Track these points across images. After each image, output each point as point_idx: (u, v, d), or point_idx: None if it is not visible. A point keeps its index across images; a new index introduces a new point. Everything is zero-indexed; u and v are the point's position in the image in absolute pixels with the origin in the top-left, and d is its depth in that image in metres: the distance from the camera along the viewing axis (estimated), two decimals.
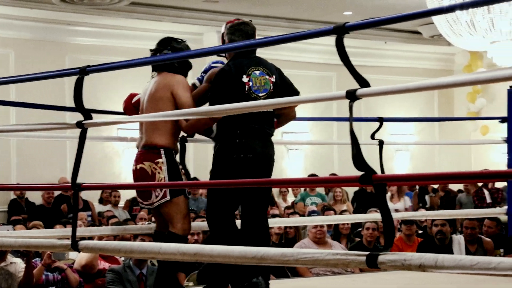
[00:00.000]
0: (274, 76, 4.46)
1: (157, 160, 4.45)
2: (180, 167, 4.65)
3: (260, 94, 4.35)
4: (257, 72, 4.38)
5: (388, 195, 11.52)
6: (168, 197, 4.46)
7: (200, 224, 6.12)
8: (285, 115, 4.63)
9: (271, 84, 4.41)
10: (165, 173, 4.44)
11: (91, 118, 3.60)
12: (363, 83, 2.58)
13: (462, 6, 2.69)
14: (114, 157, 12.11)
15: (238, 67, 4.35)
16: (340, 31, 2.63)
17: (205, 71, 4.59)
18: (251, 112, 4.24)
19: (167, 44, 4.65)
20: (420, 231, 8.66)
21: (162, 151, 4.47)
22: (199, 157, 12.28)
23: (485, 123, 13.63)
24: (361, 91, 2.55)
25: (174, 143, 4.56)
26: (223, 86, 4.30)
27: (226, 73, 4.35)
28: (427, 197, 12.30)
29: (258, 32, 13.77)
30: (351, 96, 2.56)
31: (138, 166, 4.50)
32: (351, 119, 2.56)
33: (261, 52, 13.51)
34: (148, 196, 4.49)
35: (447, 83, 2.49)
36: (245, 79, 4.34)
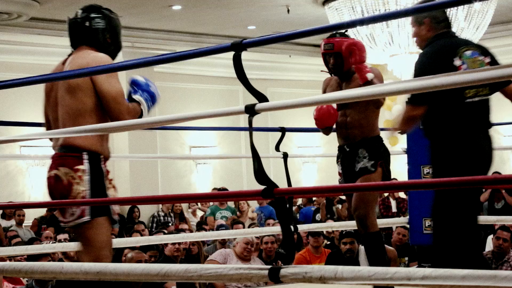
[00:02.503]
0: (489, 56, 3.70)
1: (77, 167, 3.41)
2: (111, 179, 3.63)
3: None
4: (468, 52, 3.63)
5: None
6: (87, 217, 3.43)
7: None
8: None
9: (487, 66, 3.60)
10: (86, 185, 3.41)
11: None
12: (261, 98, 2.62)
13: (362, 22, 2.75)
14: (18, 175, 11.83)
15: (446, 49, 3.64)
16: (237, 48, 2.65)
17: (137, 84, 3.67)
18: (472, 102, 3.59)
19: (98, 11, 3.63)
20: (328, 242, 8.78)
21: (85, 156, 3.44)
22: (136, 173, 12.10)
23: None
24: (260, 105, 2.58)
25: (102, 146, 3.51)
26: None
27: (433, 56, 3.61)
28: (334, 208, 12.49)
29: (162, 47, 13.74)
30: (250, 110, 2.59)
31: (52, 173, 3.47)
32: (251, 133, 2.59)
33: (164, 67, 13.44)
34: (62, 212, 3.50)
35: (340, 97, 2.55)
36: (457, 61, 3.61)
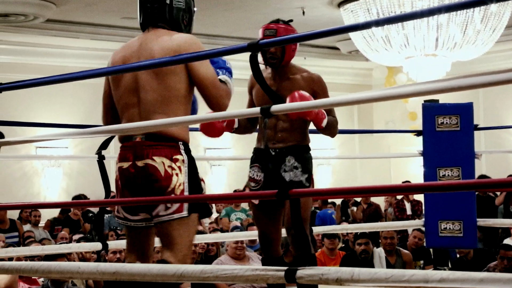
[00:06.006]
0: None
1: (176, 157, 3.17)
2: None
3: None
4: None
5: None
6: (185, 212, 3.17)
7: (123, 242, 6.05)
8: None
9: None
10: (184, 177, 3.18)
11: (3, 137, 3.53)
12: (277, 99, 2.61)
13: (377, 23, 2.73)
14: (33, 176, 11.88)
15: None
16: (254, 48, 2.64)
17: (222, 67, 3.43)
18: None
19: None
20: (342, 245, 8.76)
21: (181, 146, 3.22)
22: None
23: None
24: (275, 107, 2.57)
25: (189, 136, 3.31)
26: None
27: None
28: (349, 211, 12.47)
29: None
30: (266, 112, 2.57)
31: (141, 163, 3.17)
32: (265, 135, 2.59)
33: None
34: (153, 205, 3.21)
35: (355, 99, 2.54)
36: None
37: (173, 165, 3.15)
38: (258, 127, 4.22)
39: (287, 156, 4.04)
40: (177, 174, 3.15)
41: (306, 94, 3.74)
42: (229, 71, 3.39)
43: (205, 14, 11.00)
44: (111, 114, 3.43)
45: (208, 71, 3.24)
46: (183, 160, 3.18)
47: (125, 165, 3.23)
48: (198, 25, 12.75)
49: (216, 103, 3.27)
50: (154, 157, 3.14)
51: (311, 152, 4.24)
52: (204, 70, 3.23)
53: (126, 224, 3.35)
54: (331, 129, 4.13)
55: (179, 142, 3.20)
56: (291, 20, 4.19)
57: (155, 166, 3.14)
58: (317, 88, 4.11)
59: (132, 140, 3.22)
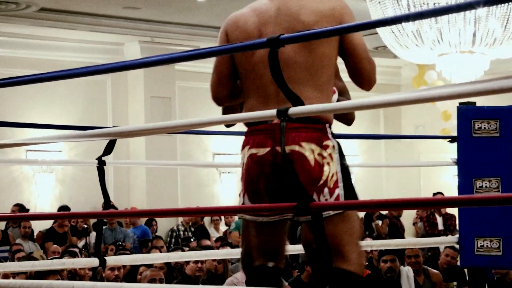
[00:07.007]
0: None
1: (326, 143, 2.91)
2: None
3: None
4: None
5: None
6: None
7: (123, 258, 6.05)
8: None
9: None
10: (337, 166, 2.92)
11: None
12: (296, 101, 2.59)
13: (408, 17, 2.70)
14: (23, 182, 11.92)
15: None
16: (274, 44, 2.61)
17: None
18: None
19: None
20: (366, 263, 8.70)
21: (328, 129, 2.95)
22: (120, 182, 12.18)
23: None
24: (293, 110, 2.54)
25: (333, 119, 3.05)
26: None
27: None
28: (373, 225, 12.40)
29: (185, 42, 13.79)
30: (283, 115, 2.55)
31: (288, 149, 2.81)
32: (282, 141, 2.57)
33: (187, 64, 13.42)
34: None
35: (379, 102, 2.51)
36: None
37: (324, 152, 2.90)
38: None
39: None
40: (328, 163, 2.89)
41: None
42: None
43: (216, 4, 11.01)
44: (232, 84, 3.23)
45: (362, 40, 3.01)
46: (333, 146, 2.93)
47: (261, 151, 2.95)
48: (208, 17, 12.78)
49: (368, 79, 3.07)
50: (302, 143, 2.87)
51: None
52: (358, 38, 3.00)
53: (254, 220, 3.07)
54: (346, 115, 3.80)
55: (326, 125, 2.95)
56: None
57: (303, 153, 2.87)
58: None
59: (268, 122, 2.94)
